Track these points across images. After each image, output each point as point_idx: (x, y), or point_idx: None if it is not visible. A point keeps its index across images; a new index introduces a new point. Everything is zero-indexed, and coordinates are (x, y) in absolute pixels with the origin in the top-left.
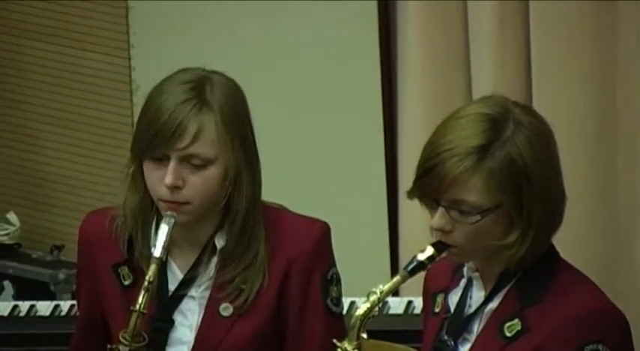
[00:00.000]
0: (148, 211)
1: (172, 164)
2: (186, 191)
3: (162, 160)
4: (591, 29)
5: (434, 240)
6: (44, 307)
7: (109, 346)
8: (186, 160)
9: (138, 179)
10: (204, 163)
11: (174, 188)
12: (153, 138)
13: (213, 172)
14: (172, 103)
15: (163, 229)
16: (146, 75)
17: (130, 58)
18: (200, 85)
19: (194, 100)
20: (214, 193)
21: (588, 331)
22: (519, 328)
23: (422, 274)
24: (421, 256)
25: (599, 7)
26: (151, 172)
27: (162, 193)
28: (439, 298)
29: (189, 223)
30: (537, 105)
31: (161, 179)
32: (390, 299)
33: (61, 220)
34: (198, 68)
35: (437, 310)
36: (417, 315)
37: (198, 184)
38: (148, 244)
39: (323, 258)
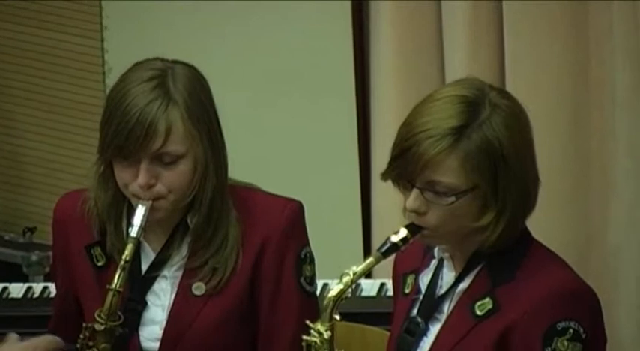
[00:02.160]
0: (121, 205)
1: (144, 164)
2: (159, 187)
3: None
4: (563, 24)
5: (407, 222)
6: (17, 289)
7: (84, 324)
8: (157, 157)
9: (108, 178)
10: (175, 159)
11: (148, 186)
12: (124, 143)
13: (184, 166)
14: (138, 105)
15: (140, 211)
16: (119, 57)
17: (102, 40)
18: (163, 81)
19: (159, 99)
20: (187, 186)
21: (560, 308)
22: (490, 306)
23: (395, 256)
24: (394, 238)
25: (571, 2)
26: (121, 172)
27: (135, 191)
28: (409, 279)
29: (163, 219)
30: (510, 85)
31: (133, 177)
32: (363, 281)
33: (33, 202)
34: (156, 59)
35: (407, 290)
36: (389, 297)
37: (171, 179)
38: (120, 237)
39: (296, 237)
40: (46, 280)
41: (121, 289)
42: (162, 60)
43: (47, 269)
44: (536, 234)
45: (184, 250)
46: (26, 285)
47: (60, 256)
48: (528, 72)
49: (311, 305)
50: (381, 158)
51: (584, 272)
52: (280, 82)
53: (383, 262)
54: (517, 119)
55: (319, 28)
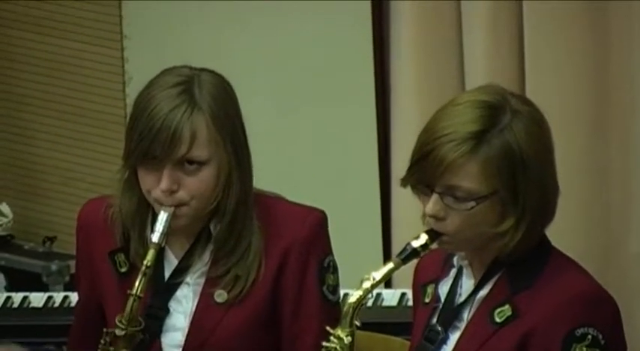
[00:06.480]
0: (145, 212)
1: (167, 170)
2: (181, 194)
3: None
4: (584, 23)
5: (427, 228)
6: (37, 299)
7: (104, 329)
8: (180, 163)
9: (133, 184)
10: (199, 166)
11: (170, 192)
12: (148, 148)
13: (207, 172)
14: (164, 110)
15: (162, 216)
16: (139, 66)
17: (122, 49)
18: (189, 87)
19: (184, 105)
20: (209, 193)
21: (579, 315)
22: (510, 313)
23: (415, 268)
24: (415, 244)
25: (592, 1)
26: (145, 176)
27: (157, 196)
28: (429, 289)
29: (185, 227)
30: (530, 94)
31: (156, 182)
32: (384, 291)
33: (53, 212)
34: (184, 67)
35: (427, 300)
36: (410, 307)
37: (194, 185)
38: (144, 244)
39: (319, 246)
40: (66, 289)
41: (141, 295)
42: (190, 67)
43: (67, 279)
44: (555, 243)
45: (207, 257)
46: (47, 294)
47: (83, 262)
48: (548, 71)
49: (334, 314)
50: (400, 165)
51: (603, 282)
52: (299, 89)
53: (404, 272)
54: (538, 126)
55: (339, 32)
